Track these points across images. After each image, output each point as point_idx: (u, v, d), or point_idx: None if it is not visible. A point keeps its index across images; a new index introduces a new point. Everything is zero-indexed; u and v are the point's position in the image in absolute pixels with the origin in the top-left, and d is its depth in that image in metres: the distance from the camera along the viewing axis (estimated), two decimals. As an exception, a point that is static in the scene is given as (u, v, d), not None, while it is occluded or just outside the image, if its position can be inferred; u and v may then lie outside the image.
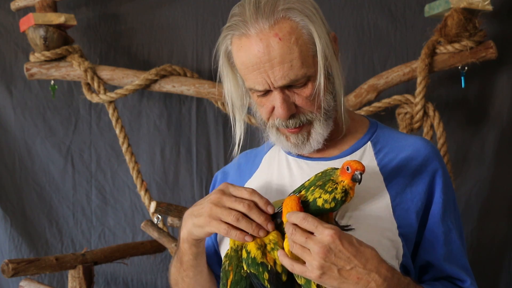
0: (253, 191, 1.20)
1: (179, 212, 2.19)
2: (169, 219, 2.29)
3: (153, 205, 2.16)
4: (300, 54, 1.20)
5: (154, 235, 2.13)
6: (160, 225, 2.28)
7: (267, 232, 1.19)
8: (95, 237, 2.58)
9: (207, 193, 2.53)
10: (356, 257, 1.09)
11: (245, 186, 1.39)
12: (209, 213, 1.21)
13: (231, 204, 1.19)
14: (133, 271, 2.57)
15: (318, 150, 1.33)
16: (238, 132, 1.36)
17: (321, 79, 1.22)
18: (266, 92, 1.25)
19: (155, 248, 2.38)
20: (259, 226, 1.18)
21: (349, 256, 1.09)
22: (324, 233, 1.08)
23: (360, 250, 1.10)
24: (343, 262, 1.09)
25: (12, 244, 2.54)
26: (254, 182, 1.39)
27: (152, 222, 2.16)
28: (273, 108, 1.26)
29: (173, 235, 2.25)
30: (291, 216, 1.13)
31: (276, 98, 1.24)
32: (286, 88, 1.23)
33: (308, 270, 1.10)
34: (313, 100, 1.24)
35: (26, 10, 2.44)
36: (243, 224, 1.17)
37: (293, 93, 1.24)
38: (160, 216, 2.27)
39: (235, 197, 1.20)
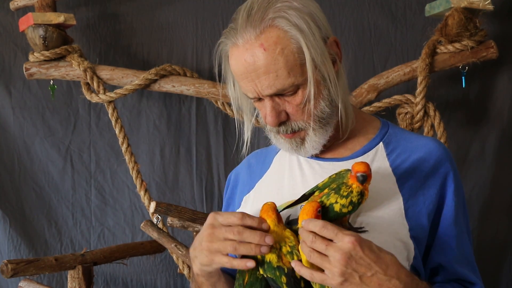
0: (243, 216, 1.17)
1: (179, 212, 2.18)
2: (169, 219, 2.28)
3: (152, 205, 2.16)
4: (286, 64, 1.20)
5: (154, 235, 2.12)
6: (160, 225, 2.28)
7: (270, 247, 1.16)
8: (95, 238, 2.57)
9: (206, 193, 2.55)
10: (377, 263, 1.09)
11: (255, 186, 1.39)
12: (208, 250, 1.18)
13: (223, 235, 1.16)
14: (132, 272, 2.57)
15: (330, 150, 1.33)
16: (246, 134, 1.36)
17: (310, 88, 1.21)
18: (260, 99, 1.26)
19: (155, 248, 2.38)
20: (257, 245, 1.15)
21: (370, 262, 1.09)
22: (345, 240, 1.08)
23: (380, 257, 1.10)
24: (364, 269, 1.08)
25: (11, 244, 2.54)
26: (265, 182, 1.38)
27: (151, 222, 2.15)
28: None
29: (173, 235, 2.25)
30: (309, 223, 1.11)
31: (266, 106, 1.25)
32: (276, 95, 1.24)
33: (329, 278, 1.09)
34: (304, 108, 1.24)
35: (25, 9, 2.44)
36: (242, 250, 1.15)
37: (283, 101, 1.24)
38: (159, 216, 2.26)
39: (226, 226, 1.17)
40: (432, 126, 2.22)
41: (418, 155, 1.29)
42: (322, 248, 1.09)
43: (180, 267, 2.33)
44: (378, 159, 1.30)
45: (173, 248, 2.11)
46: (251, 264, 1.15)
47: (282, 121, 1.25)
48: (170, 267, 2.55)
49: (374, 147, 1.32)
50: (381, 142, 1.33)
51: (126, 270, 2.56)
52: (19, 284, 2.28)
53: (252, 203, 1.37)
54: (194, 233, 2.35)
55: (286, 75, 1.20)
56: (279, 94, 1.23)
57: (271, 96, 1.23)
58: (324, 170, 1.29)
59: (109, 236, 2.57)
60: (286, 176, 1.35)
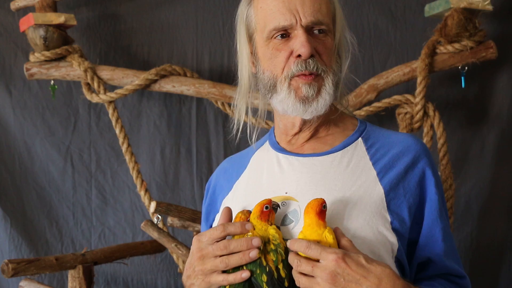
0: (224, 226, 1.18)
1: (179, 212, 2.19)
2: (169, 219, 2.28)
3: (153, 205, 2.16)
4: (327, 4, 1.30)
5: (154, 235, 2.13)
6: (160, 225, 2.28)
7: (258, 249, 1.16)
8: (95, 237, 2.58)
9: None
10: (367, 277, 1.09)
11: (233, 187, 1.39)
12: (203, 274, 1.19)
13: (212, 253, 1.17)
14: (133, 271, 2.57)
15: (309, 146, 1.34)
16: (239, 103, 1.37)
17: (343, 33, 1.33)
18: (287, 36, 1.27)
19: (155, 248, 2.38)
20: (246, 252, 1.15)
21: (358, 278, 1.08)
22: (329, 258, 1.09)
23: (370, 270, 1.09)
24: (355, 285, 1.08)
25: (12, 244, 2.54)
26: (243, 181, 1.38)
27: (152, 222, 2.16)
28: (290, 54, 1.27)
29: (173, 235, 2.25)
30: (294, 244, 1.12)
31: (299, 36, 1.26)
32: (309, 32, 1.27)
33: None
34: (329, 55, 1.29)
35: (26, 10, 2.44)
36: (233, 263, 1.16)
37: (314, 39, 1.28)
38: (160, 216, 2.27)
39: (212, 244, 1.18)
40: (432, 126, 2.23)
41: (397, 149, 1.30)
42: (308, 270, 1.10)
43: (180, 266, 2.33)
44: (358, 154, 1.30)
45: (173, 248, 2.11)
46: (246, 274, 1.15)
47: (313, 54, 1.27)
48: (171, 266, 2.56)
49: (353, 142, 1.33)
50: (360, 137, 1.34)
51: (126, 269, 2.56)
52: (20, 284, 2.28)
53: (230, 204, 1.36)
54: (194, 233, 2.35)
55: (326, 12, 1.29)
56: (313, 28, 1.27)
57: (306, 29, 1.26)
58: (304, 166, 1.30)
59: (109, 235, 2.58)
60: (265, 173, 1.35)
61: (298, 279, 1.11)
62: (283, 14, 1.26)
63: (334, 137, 1.35)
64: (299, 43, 1.25)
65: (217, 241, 1.18)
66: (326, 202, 1.19)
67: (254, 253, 1.15)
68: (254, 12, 1.31)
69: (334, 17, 1.31)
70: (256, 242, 1.15)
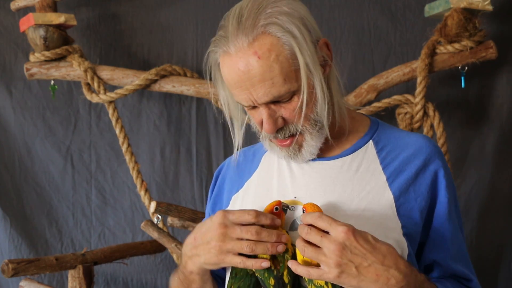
0: (257, 214, 1.17)
1: (179, 212, 2.19)
2: (169, 219, 2.29)
3: (153, 205, 2.16)
4: (281, 71, 1.17)
5: (154, 235, 2.13)
6: (160, 225, 2.28)
7: (285, 245, 1.16)
8: (95, 237, 2.58)
9: (206, 193, 2.56)
10: (373, 253, 1.10)
11: (245, 185, 1.38)
12: (219, 250, 1.17)
13: (239, 234, 1.16)
14: (133, 271, 2.57)
15: (320, 150, 1.32)
16: (237, 139, 1.34)
17: (304, 94, 1.20)
18: (254, 106, 1.24)
19: (155, 248, 2.38)
20: (274, 244, 1.16)
21: (365, 252, 1.09)
22: (338, 229, 1.09)
23: (376, 247, 1.10)
24: (360, 259, 1.09)
25: (12, 244, 2.54)
26: (254, 182, 1.37)
27: (152, 222, 2.16)
28: (262, 121, 1.24)
29: (173, 235, 2.25)
30: (306, 216, 1.13)
31: (262, 114, 1.22)
32: (272, 102, 1.21)
33: (326, 272, 1.09)
34: (300, 113, 1.22)
35: (26, 10, 2.44)
36: (259, 250, 1.15)
37: (279, 107, 1.22)
38: (160, 216, 2.27)
39: (238, 225, 1.17)
40: (432, 126, 2.23)
41: (408, 152, 1.29)
42: (317, 240, 1.10)
43: (180, 266, 2.33)
44: (368, 158, 1.29)
45: (173, 247, 2.11)
46: (266, 264, 1.15)
47: (279, 127, 1.24)
48: (171, 266, 2.56)
49: (363, 145, 1.31)
50: (370, 140, 1.32)
51: (126, 269, 2.56)
52: (20, 284, 2.28)
53: (241, 203, 1.35)
54: (194, 233, 2.35)
55: (282, 82, 1.18)
56: (275, 101, 1.21)
57: (267, 104, 1.21)
58: (314, 170, 1.29)
59: (109, 235, 2.58)
60: (275, 176, 1.33)
61: (304, 249, 1.11)
62: (241, 95, 1.21)
63: (344, 141, 1.33)
64: (263, 120, 1.22)
65: (243, 225, 1.17)
66: (335, 208, 1.20)
67: (281, 248, 1.15)
68: (221, 73, 1.25)
69: (296, 68, 1.19)
70: (285, 238, 1.16)
